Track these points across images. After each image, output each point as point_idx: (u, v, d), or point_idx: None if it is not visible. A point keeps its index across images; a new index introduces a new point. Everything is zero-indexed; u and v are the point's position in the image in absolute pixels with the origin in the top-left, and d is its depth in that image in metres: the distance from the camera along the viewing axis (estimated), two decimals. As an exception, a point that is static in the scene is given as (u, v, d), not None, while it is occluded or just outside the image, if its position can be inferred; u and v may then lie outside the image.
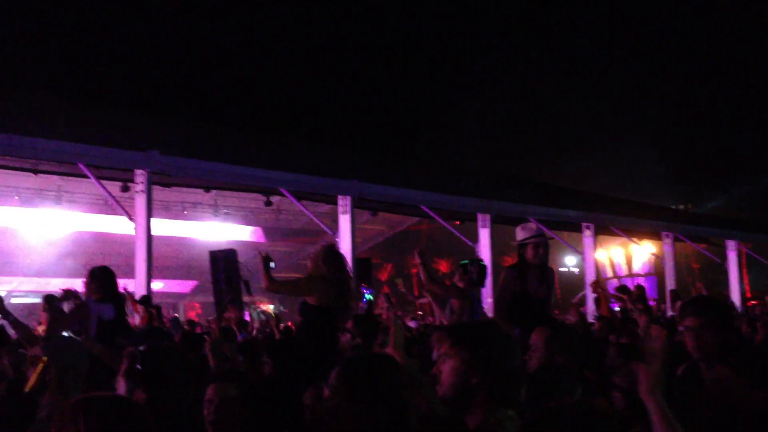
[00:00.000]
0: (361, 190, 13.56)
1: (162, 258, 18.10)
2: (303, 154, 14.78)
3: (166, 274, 21.56)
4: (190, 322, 12.39)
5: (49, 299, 5.43)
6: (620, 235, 19.42)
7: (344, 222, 13.28)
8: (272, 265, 6.10)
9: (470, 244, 15.23)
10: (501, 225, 15.42)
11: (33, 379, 3.50)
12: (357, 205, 13.63)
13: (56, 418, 1.92)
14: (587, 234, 17.49)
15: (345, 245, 12.37)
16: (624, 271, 23.72)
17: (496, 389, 2.46)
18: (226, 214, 18.84)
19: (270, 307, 11.66)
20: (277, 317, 11.10)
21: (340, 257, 5.92)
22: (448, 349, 2.54)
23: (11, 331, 6.28)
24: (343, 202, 13.40)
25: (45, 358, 3.43)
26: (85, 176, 10.92)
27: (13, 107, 9.32)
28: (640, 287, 11.46)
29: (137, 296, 9.55)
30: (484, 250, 15.00)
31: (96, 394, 2.00)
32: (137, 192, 10.72)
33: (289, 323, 11.91)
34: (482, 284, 7.48)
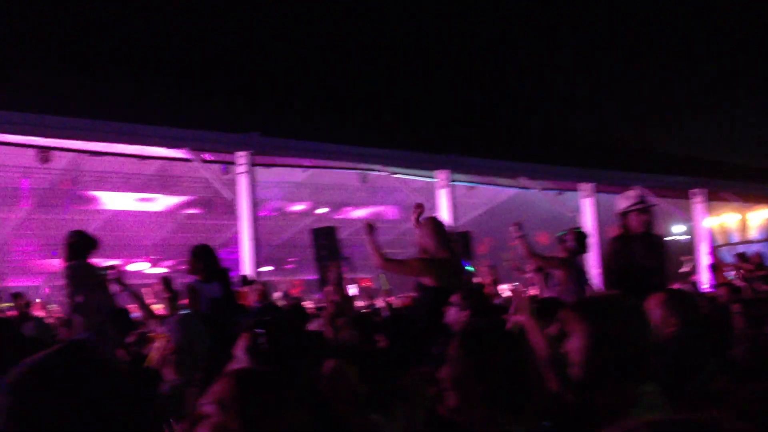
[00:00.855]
0: (457, 163, 13.40)
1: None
2: (397, 129, 14.72)
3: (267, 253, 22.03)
4: (291, 299, 12.63)
5: (166, 281, 5.58)
6: (732, 201, 18.50)
7: (442, 196, 13.18)
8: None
9: (571, 215, 14.83)
10: (605, 194, 14.92)
11: (154, 355, 3.59)
12: (454, 179, 13.50)
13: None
14: (697, 200, 16.73)
15: (444, 220, 12.26)
16: (737, 237, 22.59)
17: (628, 364, 2.32)
18: (323, 192, 19.04)
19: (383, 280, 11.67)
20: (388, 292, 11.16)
21: (445, 231, 5.81)
22: (575, 325, 2.42)
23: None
24: (441, 176, 13.30)
25: (165, 336, 3.51)
26: (188, 160, 11.24)
27: (119, 95, 9.63)
28: (759, 255, 10.87)
29: (248, 277, 9.78)
30: (588, 220, 14.57)
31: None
32: (239, 173, 10.95)
33: (391, 299, 11.94)
34: (584, 251, 7.30)
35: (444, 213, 12.73)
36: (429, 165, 13.33)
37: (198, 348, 3.47)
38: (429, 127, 14.28)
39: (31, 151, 10.93)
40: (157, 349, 3.59)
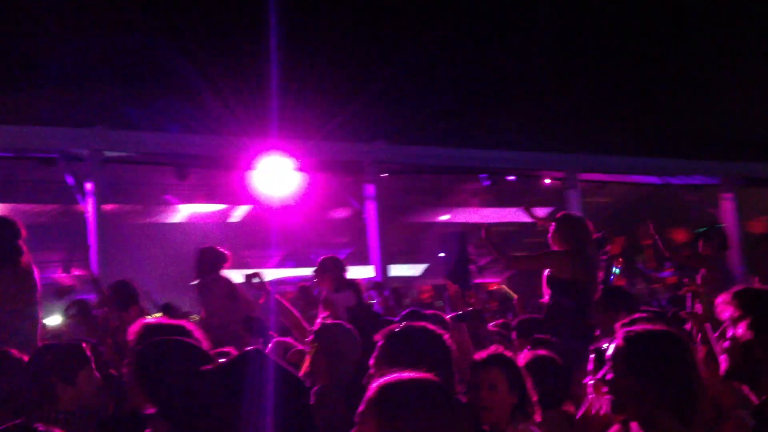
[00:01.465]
0: (586, 162, 13.06)
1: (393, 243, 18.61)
2: (520, 130, 14.52)
3: (396, 259, 22.19)
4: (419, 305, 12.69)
5: (305, 290, 5.74)
6: None
7: (571, 197, 12.88)
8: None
9: (711, 211, 14.09)
10: (747, 189, 14.10)
11: (306, 364, 3.70)
12: (581, 179, 13.18)
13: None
14: None
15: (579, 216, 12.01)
16: None
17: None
18: (447, 196, 18.98)
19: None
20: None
21: (580, 225, 5.68)
22: (735, 315, 2.31)
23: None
24: (569, 176, 13.01)
25: (316, 344, 3.62)
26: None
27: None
28: None
29: (373, 281, 9.94)
30: (730, 216, 13.80)
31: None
32: (366, 182, 11.19)
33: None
34: (726, 248, 6.95)
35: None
36: (556, 165, 13.07)
37: (350, 357, 3.55)
38: (553, 127, 14.01)
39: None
40: (308, 357, 3.69)
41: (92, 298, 6.82)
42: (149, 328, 2.86)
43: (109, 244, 9.56)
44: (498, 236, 5.92)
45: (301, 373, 3.78)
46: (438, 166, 13.07)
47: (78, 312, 6.62)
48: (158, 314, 9.02)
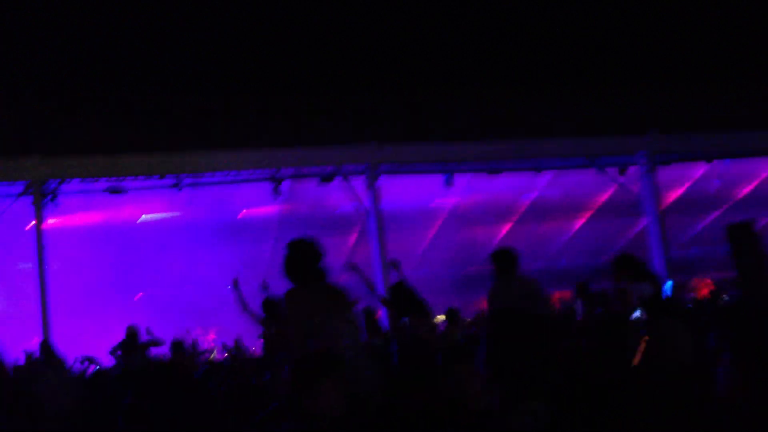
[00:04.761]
0: None
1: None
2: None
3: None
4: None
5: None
6: None
7: None
8: None
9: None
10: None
11: (636, 356, 3.46)
12: None
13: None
14: None
15: None
16: None
17: None
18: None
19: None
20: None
21: None
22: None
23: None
24: None
25: (644, 338, 3.37)
26: (586, 166, 11.15)
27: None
28: None
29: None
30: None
31: None
32: (643, 174, 10.63)
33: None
34: None
35: None
36: None
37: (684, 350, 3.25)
38: None
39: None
40: (639, 350, 3.45)
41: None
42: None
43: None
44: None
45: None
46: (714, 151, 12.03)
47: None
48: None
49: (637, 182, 11.08)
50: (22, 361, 7.42)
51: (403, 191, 11.70)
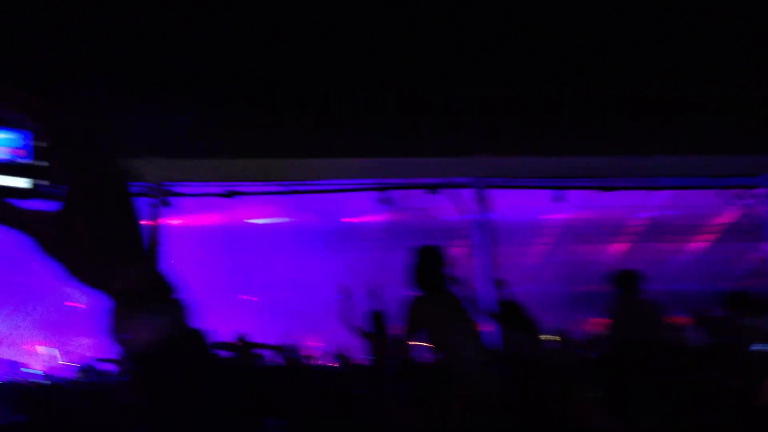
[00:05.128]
0: None
1: None
2: None
3: None
4: None
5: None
6: None
7: None
8: None
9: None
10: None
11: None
12: None
13: None
14: None
15: None
16: None
17: None
18: None
19: None
20: None
21: None
22: None
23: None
24: None
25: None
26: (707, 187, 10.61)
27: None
28: None
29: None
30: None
31: None
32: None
33: None
34: None
35: None
36: None
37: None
38: None
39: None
40: (765, 387, 3.17)
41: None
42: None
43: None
44: None
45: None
46: None
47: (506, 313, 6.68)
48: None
49: (762, 204, 10.49)
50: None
51: (512, 204, 11.47)
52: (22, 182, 0.81)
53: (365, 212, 11.38)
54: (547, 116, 10.16)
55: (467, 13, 7.97)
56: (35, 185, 0.82)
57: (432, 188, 10.62)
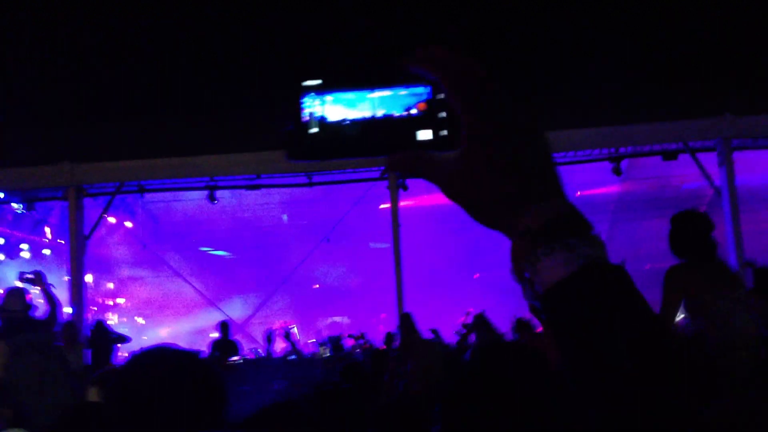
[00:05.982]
0: None
1: None
2: None
3: None
4: None
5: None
6: None
7: None
8: None
9: None
10: None
11: None
12: None
13: None
14: None
15: None
16: None
17: None
18: None
19: None
20: None
21: None
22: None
23: None
24: None
25: None
26: None
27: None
28: None
29: None
30: None
31: None
32: None
33: None
34: None
35: None
36: None
37: None
38: None
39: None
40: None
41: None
42: None
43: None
44: None
45: None
46: None
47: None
48: None
49: None
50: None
51: (758, 168, 10.65)
52: (426, 134, 0.89)
53: (597, 184, 11.08)
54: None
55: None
56: (436, 136, 0.89)
57: (668, 155, 10.13)
